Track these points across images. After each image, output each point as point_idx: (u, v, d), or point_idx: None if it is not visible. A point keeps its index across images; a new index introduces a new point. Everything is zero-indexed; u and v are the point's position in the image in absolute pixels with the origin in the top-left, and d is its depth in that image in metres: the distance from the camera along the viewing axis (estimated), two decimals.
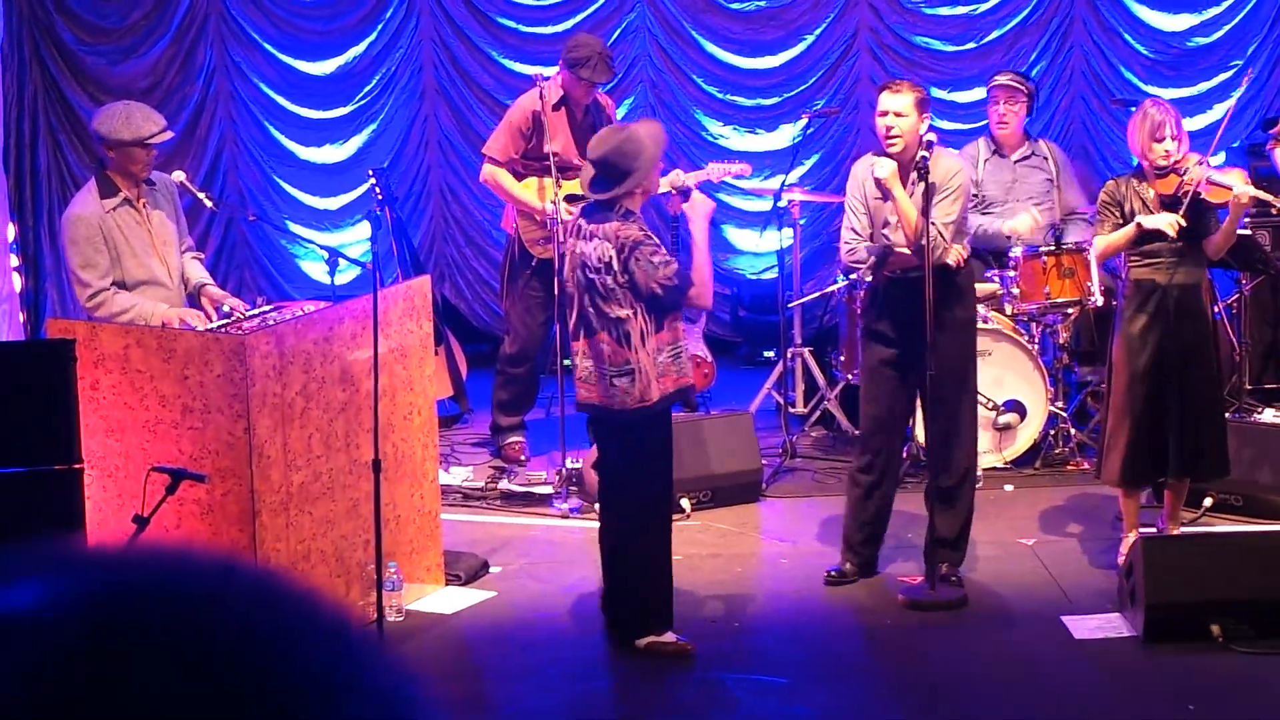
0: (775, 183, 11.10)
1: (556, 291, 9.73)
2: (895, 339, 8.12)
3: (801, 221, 11.27)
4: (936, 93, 12.86)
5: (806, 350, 11.03)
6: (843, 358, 10.63)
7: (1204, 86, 12.98)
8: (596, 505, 8.75)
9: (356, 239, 12.83)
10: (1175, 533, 8.31)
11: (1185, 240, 8.01)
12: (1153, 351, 8.08)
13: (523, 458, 10.46)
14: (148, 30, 12.95)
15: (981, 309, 9.98)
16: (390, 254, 11.32)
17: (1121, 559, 8.01)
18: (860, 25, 13.14)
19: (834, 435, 10.82)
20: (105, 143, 7.95)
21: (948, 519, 8.15)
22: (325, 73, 13.15)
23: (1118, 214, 8.10)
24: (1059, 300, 9.97)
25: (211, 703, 0.97)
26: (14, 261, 12.30)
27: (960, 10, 13.07)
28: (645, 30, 13.14)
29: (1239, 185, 7.96)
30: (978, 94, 12.43)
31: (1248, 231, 10.02)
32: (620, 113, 11.79)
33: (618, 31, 13.02)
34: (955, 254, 8.08)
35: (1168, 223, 7.92)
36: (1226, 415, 8.77)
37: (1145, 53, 13.05)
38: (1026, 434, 10.08)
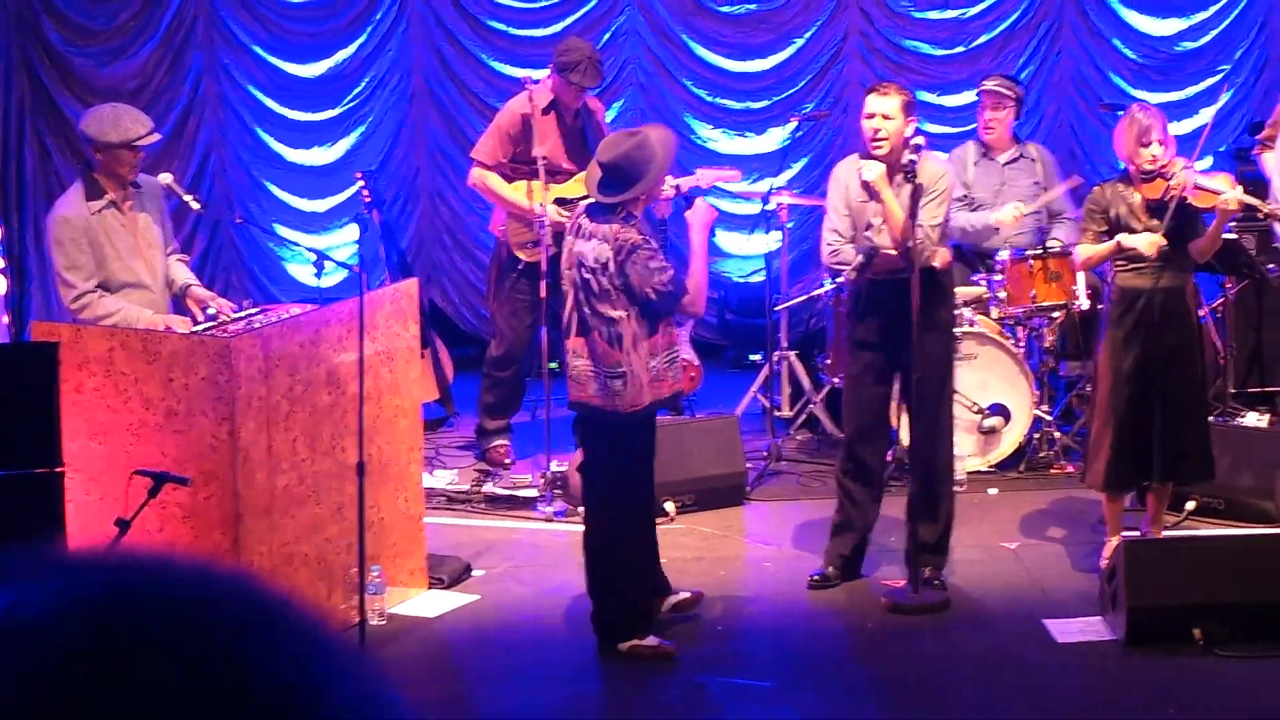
0: (763, 186, 11.10)
1: (544, 295, 9.74)
2: (880, 342, 8.14)
3: (789, 225, 11.27)
4: (926, 96, 12.89)
5: (793, 354, 11.03)
6: (829, 361, 10.63)
7: (1191, 91, 13.00)
8: (581, 509, 8.76)
9: (344, 241, 12.81)
10: (1158, 536, 8.32)
11: (1171, 245, 8.02)
12: (1137, 355, 8.09)
13: (507, 461, 10.46)
14: (136, 32, 12.93)
15: (967, 312, 10.02)
16: (378, 257, 11.31)
17: (1104, 562, 8.02)
18: (850, 29, 13.15)
19: (819, 439, 10.82)
20: (93, 144, 7.96)
21: (930, 521, 8.16)
22: (314, 75, 13.14)
23: (1102, 220, 8.11)
24: (1045, 304, 9.99)
25: (210, 703, 0.99)
26: None
27: (949, 14, 13.09)
28: (635, 34, 13.14)
29: (1227, 190, 7.98)
30: (967, 98, 12.45)
31: (1233, 235, 10.03)
32: (610, 116, 11.79)
33: (607, 35, 13.02)
34: (941, 256, 8.11)
35: (1147, 243, 7.94)
36: (1210, 419, 8.78)
37: (1133, 57, 13.08)
38: (1011, 437, 10.09)
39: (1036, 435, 10.20)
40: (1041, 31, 13.09)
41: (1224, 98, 9.73)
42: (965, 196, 10.54)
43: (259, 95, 13.15)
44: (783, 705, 7.13)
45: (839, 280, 9.75)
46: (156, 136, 8.29)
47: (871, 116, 8.04)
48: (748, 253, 13.11)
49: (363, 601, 7.48)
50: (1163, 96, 12.60)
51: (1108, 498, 8.39)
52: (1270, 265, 10.06)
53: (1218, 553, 7.66)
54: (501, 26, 13.10)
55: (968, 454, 9.95)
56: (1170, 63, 13.08)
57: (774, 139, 12.97)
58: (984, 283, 10.26)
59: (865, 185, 8.08)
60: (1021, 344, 10.18)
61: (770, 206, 10.84)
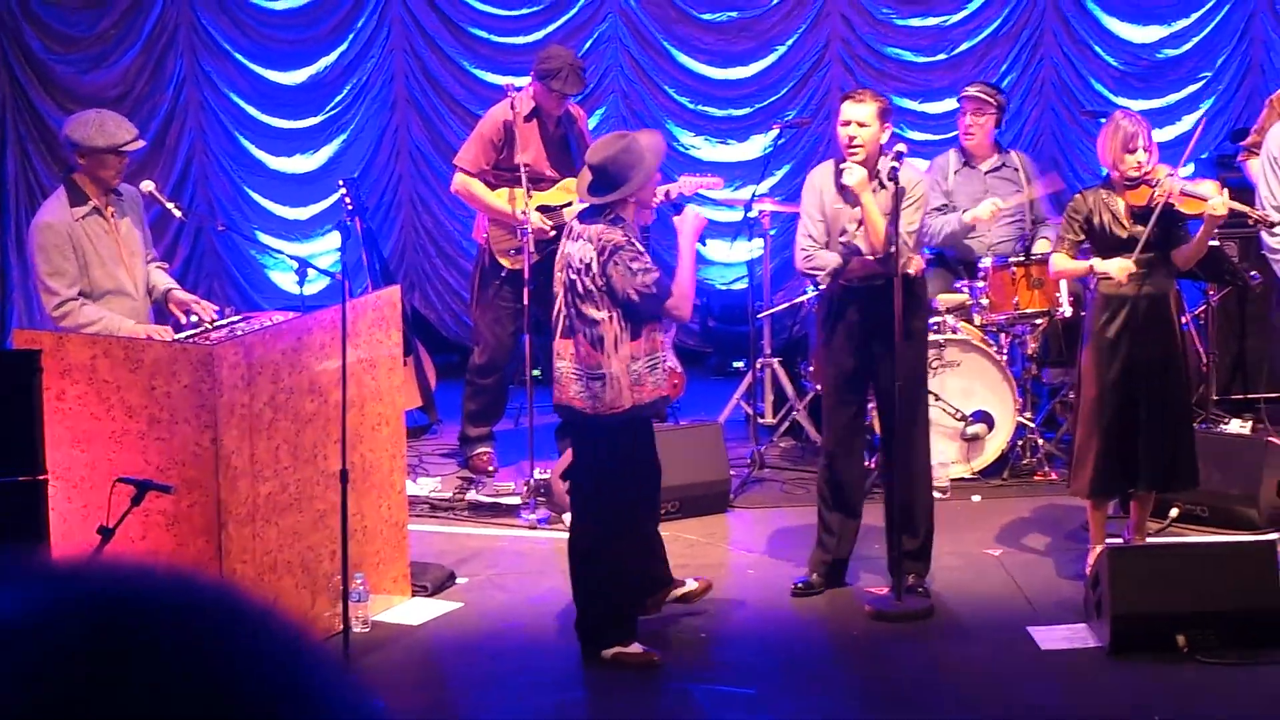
0: (746, 193, 11.11)
1: (526, 302, 9.73)
2: (855, 349, 8.15)
3: (772, 232, 11.27)
4: (908, 104, 12.92)
5: (776, 361, 11.03)
6: (812, 368, 10.62)
7: (1173, 98, 13.04)
8: (564, 516, 8.76)
9: (326, 249, 12.81)
10: (1141, 543, 8.32)
11: (1154, 251, 8.03)
12: (1122, 363, 8.09)
13: (491, 468, 10.45)
14: (117, 39, 12.91)
15: (950, 319, 10.03)
16: (360, 264, 11.31)
17: (1088, 570, 8.02)
18: (832, 36, 13.17)
19: (803, 446, 10.82)
20: (78, 149, 7.93)
21: (910, 529, 8.15)
22: (296, 82, 13.13)
23: (1082, 228, 8.12)
24: (1028, 311, 10.00)
25: (193, 714, 0.98)
26: None
27: (931, 21, 13.11)
28: (617, 41, 13.15)
29: (1214, 197, 7.98)
30: (949, 105, 12.48)
31: (1215, 242, 10.03)
32: (592, 123, 11.80)
33: (589, 42, 13.03)
34: (915, 263, 8.13)
35: (1118, 268, 7.96)
36: (1194, 426, 8.79)
37: (1115, 64, 13.11)
38: (994, 445, 10.10)
39: (1020, 442, 10.21)
40: (1024, 39, 13.11)
41: (1201, 110, 9.71)
42: (946, 205, 10.55)
43: (241, 103, 13.13)
44: (766, 712, 7.11)
45: (820, 287, 9.78)
46: (142, 143, 8.28)
47: (847, 124, 8.05)
48: (730, 260, 13.11)
49: (346, 609, 7.47)
50: (1145, 103, 12.63)
51: (1092, 505, 8.39)
52: (1253, 272, 10.07)
53: (1202, 560, 7.66)
54: (483, 34, 13.10)
55: (951, 461, 9.96)
56: (1152, 70, 13.12)
57: (756, 146, 12.98)
58: (966, 290, 10.27)
59: (841, 189, 8.09)
60: (1004, 351, 10.19)
61: (752, 214, 10.84)
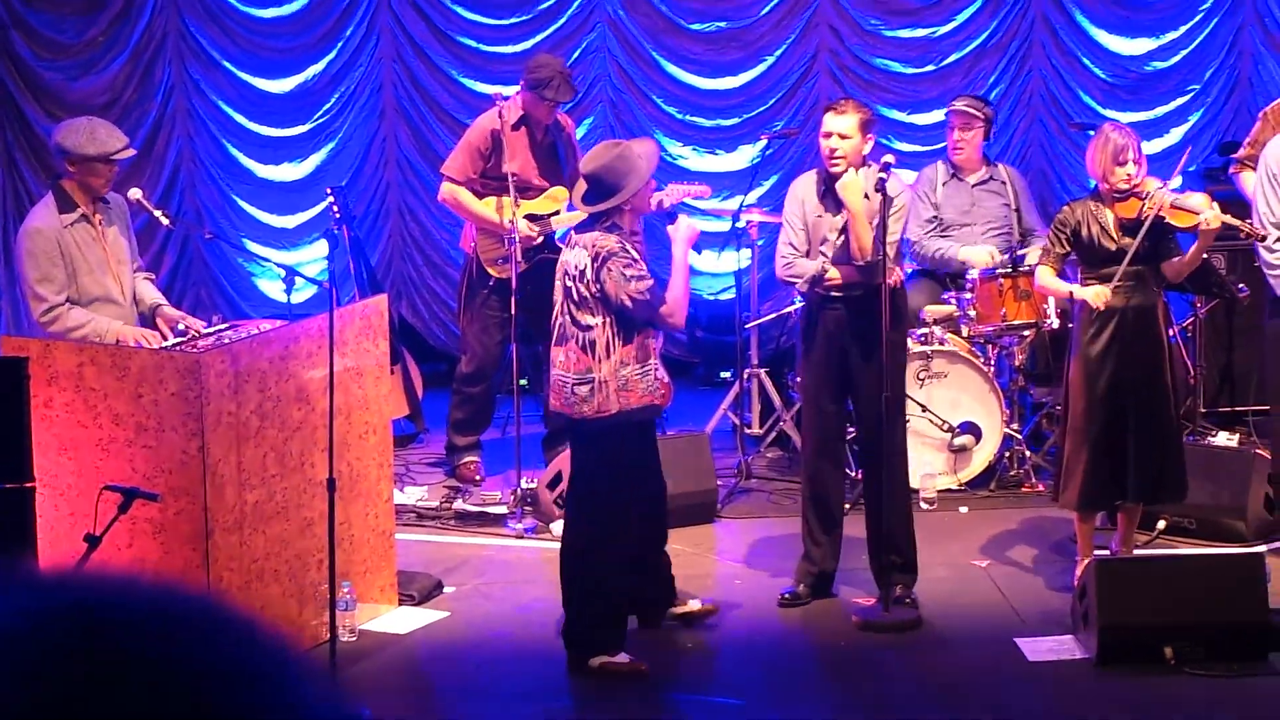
0: (734, 203, 11.11)
1: (514, 311, 9.73)
2: (833, 360, 8.15)
3: (760, 242, 11.27)
4: (896, 115, 12.93)
5: (763, 371, 11.03)
6: (799, 379, 10.63)
7: (1161, 111, 13.05)
8: (552, 526, 8.77)
9: (314, 257, 12.78)
10: (1129, 555, 8.32)
11: (1143, 264, 8.05)
12: (1110, 375, 8.10)
13: (478, 478, 10.45)
14: (106, 46, 12.88)
15: (937, 330, 10.03)
16: (347, 273, 11.30)
17: (1076, 581, 8.03)
18: (820, 47, 13.17)
19: (790, 456, 10.80)
20: (68, 157, 7.92)
21: (892, 541, 8.12)
22: (284, 91, 13.11)
23: (1069, 238, 8.12)
24: (1015, 322, 10.01)
25: (193, 714, 0.98)
26: None
27: (920, 33, 13.11)
28: (605, 51, 13.14)
29: (1206, 211, 7.98)
30: (937, 116, 12.48)
31: (1204, 255, 10.05)
32: (580, 133, 11.80)
33: (578, 51, 13.02)
34: (895, 275, 8.15)
35: (1094, 294, 7.97)
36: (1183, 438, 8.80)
37: (1103, 77, 13.12)
38: (981, 456, 10.10)
39: (1007, 454, 10.21)
40: (1012, 50, 13.12)
41: (1193, 119, 9.73)
42: (935, 218, 10.57)
43: (229, 111, 13.11)
44: None
45: (802, 292, 9.79)
46: (132, 152, 8.28)
47: (829, 135, 8.05)
48: (718, 270, 13.10)
49: (333, 618, 7.46)
50: (1133, 116, 12.64)
51: (1080, 517, 8.39)
52: (1240, 284, 10.08)
53: (1189, 572, 7.67)
54: (472, 43, 13.09)
55: (938, 472, 9.96)
56: (1140, 82, 13.13)
57: (744, 156, 12.98)
58: (954, 301, 10.28)
59: (824, 199, 8.10)
60: (991, 362, 10.20)
61: (740, 224, 10.84)
